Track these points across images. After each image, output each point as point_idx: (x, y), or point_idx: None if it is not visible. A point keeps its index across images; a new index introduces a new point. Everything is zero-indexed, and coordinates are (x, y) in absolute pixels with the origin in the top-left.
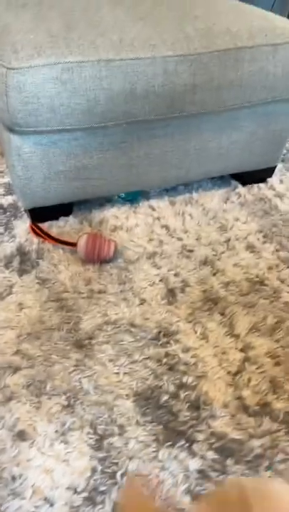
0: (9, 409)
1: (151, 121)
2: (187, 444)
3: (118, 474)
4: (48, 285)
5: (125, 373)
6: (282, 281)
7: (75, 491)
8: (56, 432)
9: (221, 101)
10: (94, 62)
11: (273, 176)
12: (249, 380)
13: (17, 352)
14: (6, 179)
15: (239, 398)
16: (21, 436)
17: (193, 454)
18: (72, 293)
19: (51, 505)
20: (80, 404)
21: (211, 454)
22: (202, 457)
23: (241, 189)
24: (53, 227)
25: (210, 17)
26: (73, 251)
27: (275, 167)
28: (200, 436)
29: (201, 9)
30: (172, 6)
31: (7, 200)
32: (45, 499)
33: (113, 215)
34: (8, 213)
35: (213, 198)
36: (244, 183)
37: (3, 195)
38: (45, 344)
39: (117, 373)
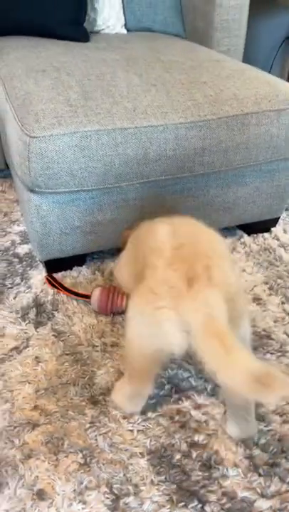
0: (29, 467)
1: (162, 181)
2: (200, 505)
3: None
4: (63, 338)
5: (139, 431)
6: (288, 335)
7: None
8: (74, 491)
9: (228, 161)
10: (110, 131)
11: (277, 225)
12: (258, 438)
13: (35, 407)
14: (21, 227)
15: (249, 457)
16: (41, 495)
17: None
18: (87, 346)
19: None
20: (96, 463)
21: None
22: None
23: (246, 239)
24: (67, 277)
25: (217, 83)
26: (87, 302)
27: (279, 217)
28: (212, 497)
29: (208, 74)
30: (182, 71)
31: (23, 249)
32: None
33: None
34: (24, 263)
35: None
36: (249, 233)
37: (19, 243)
38: (62, 400)
39: (131, 430)
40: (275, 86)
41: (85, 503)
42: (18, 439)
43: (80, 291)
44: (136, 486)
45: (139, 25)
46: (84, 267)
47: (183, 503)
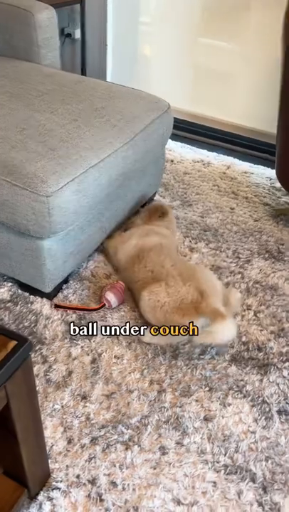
0: (187, 411)
1: (116, 192)
2: (277, 370)
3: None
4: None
5: (215, 355)
6: (225, 261)
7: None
8: (222, 403)
9: (146, 161)
10: (90, 169)
11: (156, 195)
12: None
13: (151, 382)
14: None
15: (275, 332)
16: (209, 419)
17: (279, 369)
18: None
19: None
20: (216, 383)
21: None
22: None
23: None
24: (69, 296)
25: (111, 106)
26: (103, 309)
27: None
28: (275, 361)
29: (97, 100)
30: (74, 99)
31: (3, 294)
32: None
33: (96, 266)
34: (20, 302)
35: None
36: (143, 206)
37: None
38: (160, 368)
39: (213, 357)
40: (147, 99)
41: (231, 404)
42: (165, 403)
43: (82, 305)
44: (241, 380)
45: None
46: (70, 282)
47: (268, 372)
